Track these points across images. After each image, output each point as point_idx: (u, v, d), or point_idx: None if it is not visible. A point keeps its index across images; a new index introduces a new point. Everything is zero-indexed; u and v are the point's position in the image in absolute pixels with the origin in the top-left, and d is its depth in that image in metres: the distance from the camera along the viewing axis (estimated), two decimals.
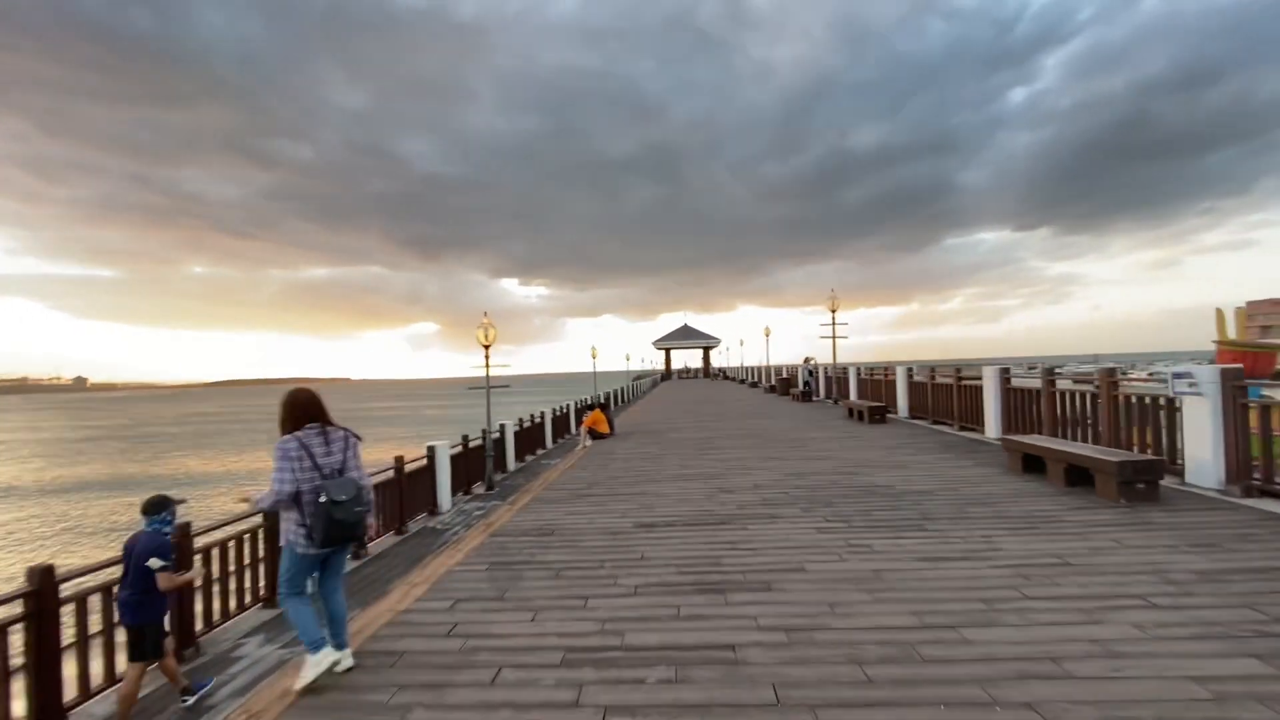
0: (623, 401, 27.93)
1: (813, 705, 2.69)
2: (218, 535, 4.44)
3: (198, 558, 4.16)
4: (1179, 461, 6.57)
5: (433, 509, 7.71)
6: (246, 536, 4.64)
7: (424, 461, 7.72)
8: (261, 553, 4.73)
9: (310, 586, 3.29)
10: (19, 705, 3.08)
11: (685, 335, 64.94)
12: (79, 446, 46.64)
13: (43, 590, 3.30)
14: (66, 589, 3.37)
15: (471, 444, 9.26)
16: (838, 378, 20.70)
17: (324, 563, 3.31)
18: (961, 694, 2.72)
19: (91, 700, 3.42)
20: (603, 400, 19.00)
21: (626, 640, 3.40)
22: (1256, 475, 5.86)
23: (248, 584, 4.64)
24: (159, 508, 3.30)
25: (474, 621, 3.80)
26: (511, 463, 11.13)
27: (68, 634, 3.37)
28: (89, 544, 17.20)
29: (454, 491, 8.34)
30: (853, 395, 18.58)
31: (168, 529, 3.33)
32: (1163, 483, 6.04)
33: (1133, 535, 4.87)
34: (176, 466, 33.63)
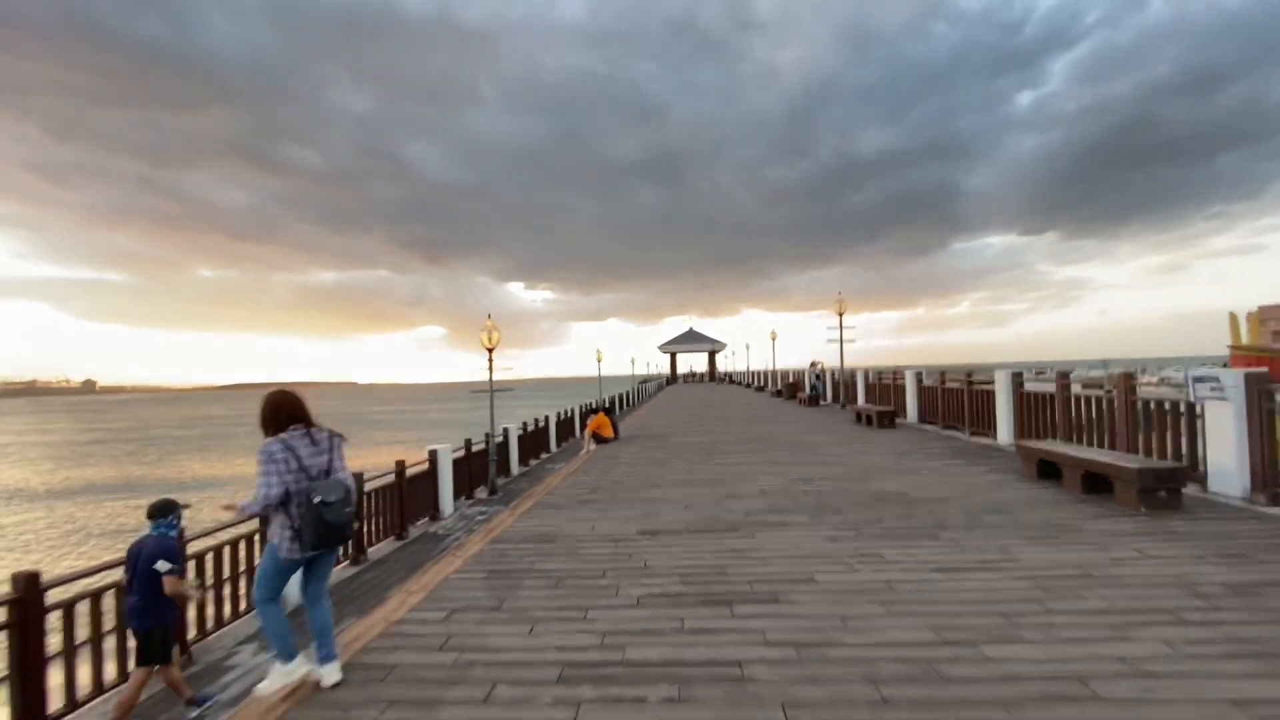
0: (628, 405, 27.79)
1: None
2: (210, 542, 4.32)
3: (192, 567, 4.05)
4: (1200, 468, 6.36)
5: (434, 514, 7.58)
6: (242, 542, 4.53)
7: (425, 466, 7.59)
8: (256, 559, 4.62)
9: (297, 596, 3.18)
10: (1, 716, 2.98)
11: (690, 339, 64.76)
12: (87, 449, 46.88)
13: (27, 598, 3.20)
14: (60, 594, 3.30)
15: (474, 448, 9.14)
16: (845, 382, 20.48)
17: (309, 568, 3.19)
18: (983, 717, 2.56)
19: (78, 711, 3.32)
20: (607, 404, 18.86)
21: (628, 655, 3.24)
22: None
23: (242, 590, 4.52)
24: (165, 511, 3.30)
25: (469, 633, 3.65)
26: (515, 467, 11.00)
27: (60, 640, 3.30)
28: (96, 546, 17.17)
29: (456, 496, 8.21)
30: (861, 400, 18.37)
31: (173, 532, 3.32)
32: (1184, 491, 5.84)
33: (1156, 546, 4.68)
34: (183, 469, 33.70)
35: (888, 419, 13.60)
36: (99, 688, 3.51)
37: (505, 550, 5.45)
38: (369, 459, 32.66)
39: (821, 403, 22.24)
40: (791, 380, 28.19)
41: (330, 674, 3.12)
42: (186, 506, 3.43)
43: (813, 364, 26.17)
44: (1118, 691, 2.70)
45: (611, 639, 3.45)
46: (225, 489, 25.58)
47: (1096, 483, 6.33)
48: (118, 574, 3.71)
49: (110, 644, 3.62)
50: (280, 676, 3.05)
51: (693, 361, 71.92)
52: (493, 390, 10.40)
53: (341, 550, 5.61)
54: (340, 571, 5.43)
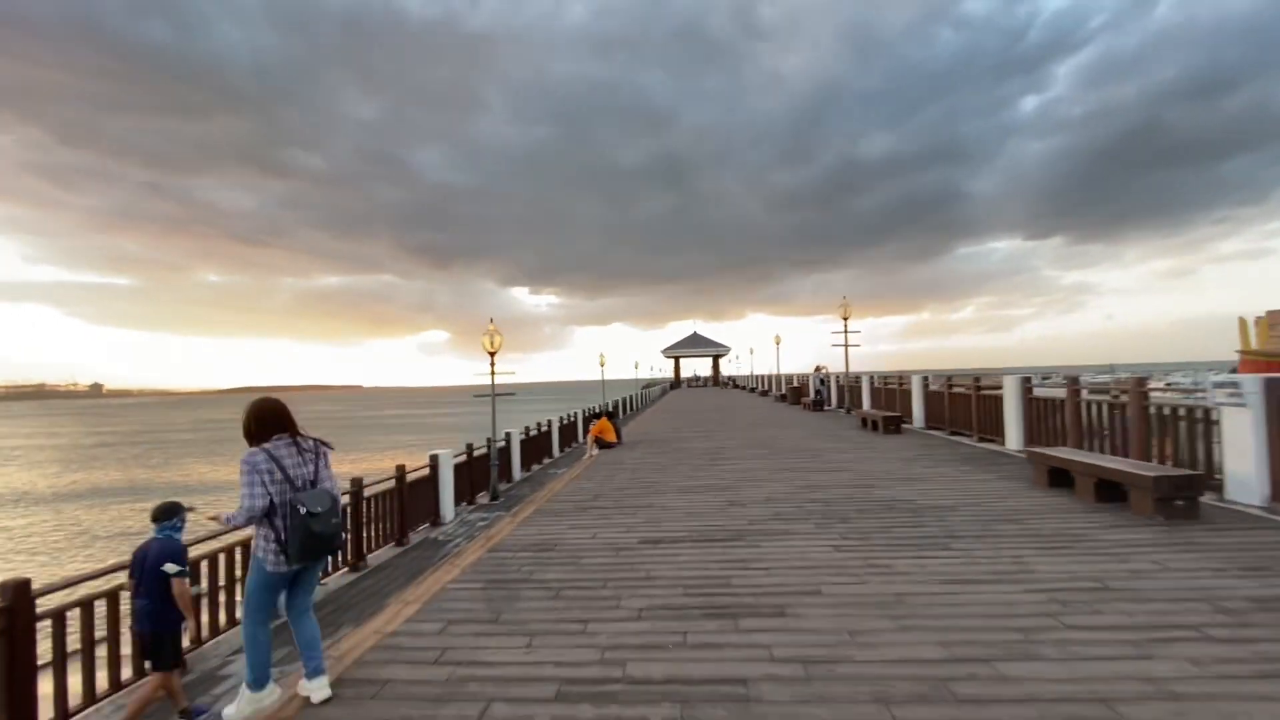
0: (631, 410, 27.67)
1: None
2: (204, 549, 4.23)
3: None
4: (1217, 476, 6.20)
5: (435, 519, 7.48)
6: (238, 549, 4.43)
7: (426, 471, 7.49)
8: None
9: (281, 610, 3.07)
10: None
11: (694, 343, 64.62)
12: (93, 452, 47.03)
13: (16, 606, 3.12)
14: (55, 600, 3.25)
15: (476, 453, 9.04)
16: (850, 387, 20.31)
17: (294, 581, 3.08)
18: None
19: None
20: (610, 409, 18.75)
21: (628, 672, 3.11)
22: None
23: (237, 597, 4.42)
24: (169, 514, 3.29)
25: (465, 647, 3.53)
26: (517, 472, 10.89)
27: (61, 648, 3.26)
28: (103, 549, 17.13)
29: (458, 501, 8.11)
30: (866, 405, 18.20)
31: (178, 535, 3.30)
32: (1201, 499, 5.68)
33: (1175, 557, 4.53)
34: (188, 472, 33.75)
35: (894, 424, 13.44)
36: (91, 697, 3.44)
37: (504, 559, 5.33)
38: (372, 463, 32.60)
39: (826, 408, 22.06)
40: (796, 385, 28.01)
41: (319, 689, 3.00)
42: (191, 509, 3.40)
43: (817, 368, 25.99)
44: (1144, 715, 2.56)
45: (612, 654, 3.33)
46: (230, 493, 25.56)
47: (1110, 490, 6.17)
48: (111, 580, 3.66)
49: (102, 651, 3.55)
50: (250, 703, 2.94)
51: (697, 366, 71.78)
52: (494, 394, 10.31)
53: (340, 557, 5.52)
54: (339, 578, 5.35)
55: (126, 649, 3.71)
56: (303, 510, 2.83)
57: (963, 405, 12.24)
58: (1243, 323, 37.52)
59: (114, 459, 41.52)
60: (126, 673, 3.67)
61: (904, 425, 14.03)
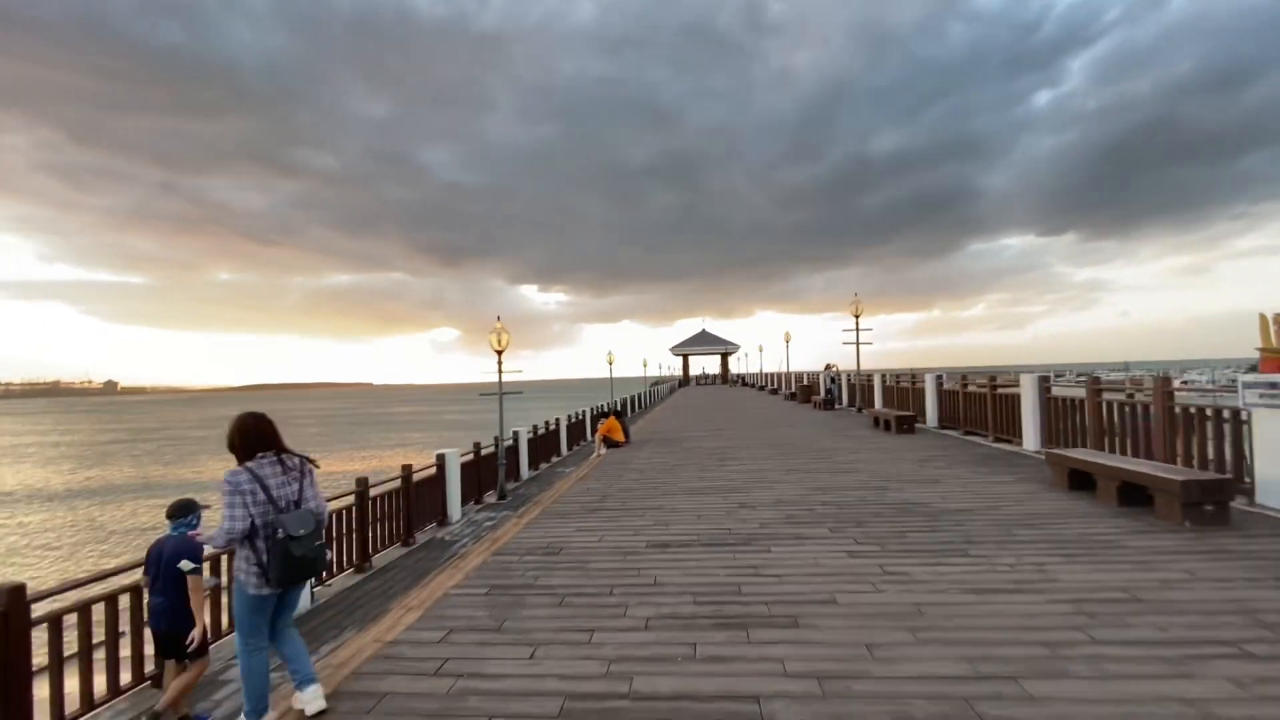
0: (639, 408, 27.54)
1: None
2: (206, 551, 4.14)
3: (206, 568, 3.92)
4: (1247, 480, 5.98)
5: (442, 519, 7.40)
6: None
7: (433, 470, 7.41)
8: None
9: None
10: None
11: (703, 341, 64.36)
12: (108, 449, 47.57)
13: (10, 611, 3.04)
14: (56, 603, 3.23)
15: (484, 451, 8.95)
16: (862, 385, 20.07)
17: (277, 601, 2.97)
18: None
19: None
20: (618, 408, 18.63)
21: (635, 687, 2.98)
22: None
23: None
24: (185, 511, 3.30)
25: (466, 657, 3.42)
26: (525, 470, 10.80)
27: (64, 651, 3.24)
28: (118, 545, 17.24)
29: (465, 501, 8.02)
30: (878, 404, 17.97)
31: (193, 533, 3.29)
32: (1232, 504, 5.47)
33: (1206, 566, 4.34)
34: (201, 469, 34.02)
35: (907, 424, 13.22)
36: (90, 703, 3.37)
37: (509, 563, 5.22)
38: (381, 461, 32.70)
39: (837, 406, 21.83)
40: (806, 383, 27.77)
41: (312, 700, 2.89)
42: (206, 507, 3.38)
43: (827, 367, 25.73)
44: None
45: (618, 667, 3.20)
46: None
47: (1134, 494, 5.97)
48: (109, 584, 3.60)
49: (101, 654, 3.48)
50: None
51: (705, 363, 71.52)
52: (502, 393, 10.21)
53: (345, 560, 5.44)
54: (344, 579, 5.29)
55: (126, 652, 3.65)
56: (283, 533, 2.71)
57: (978, 404, 12.01)
58: (1263, 319, 36.72)
59: (128, 456, 41.96)
60: (126, 677, 3.61)
61: (917, 425, 13.80)
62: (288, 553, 2.69)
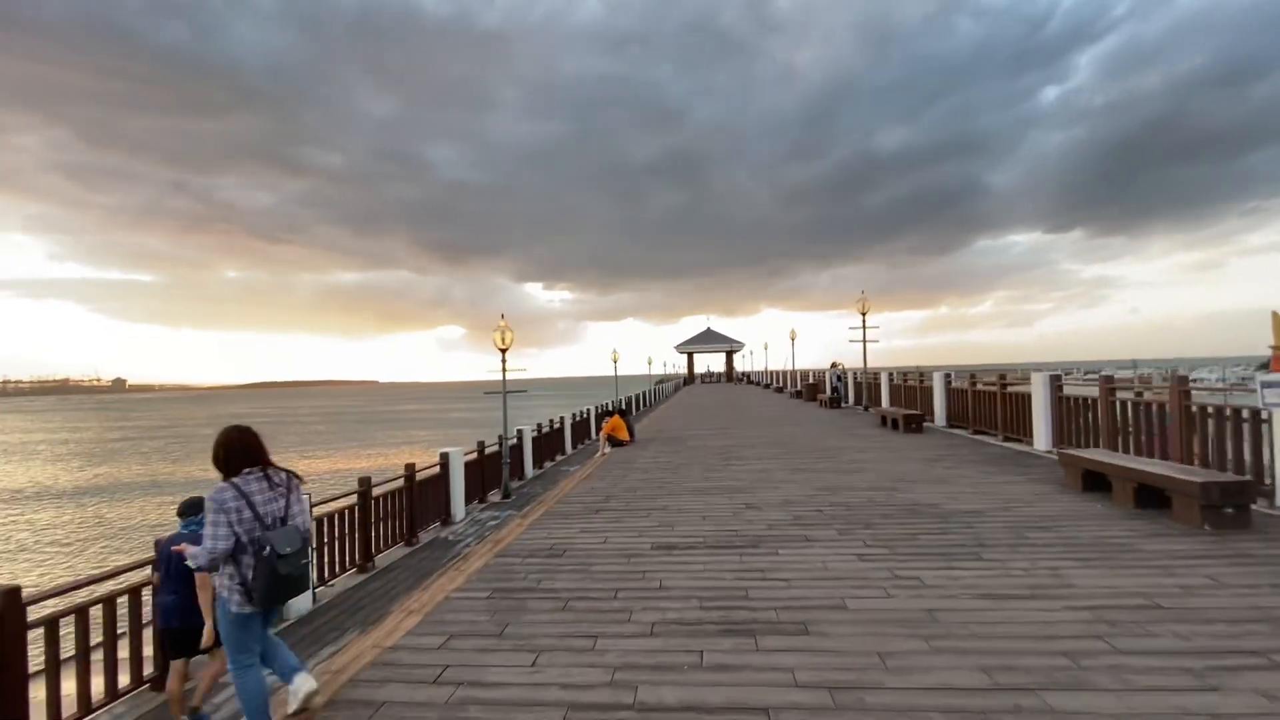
0: (644, 406, 27.45)
1: None
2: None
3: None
4: (1268, 482, 5.84)
5: (446, 518, 7.33)
6: None
7: (437, 469, 7.34)
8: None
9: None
10: None
11: (708, 339, 64.17)
12: (116, 446, 47.83)
13: (4, 614, 3.00)
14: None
15: (488, 450, 8.88)
16: (868, 383, 19.90)
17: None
18: None
19: None
20: (623, 406, 18.54)
21: (640, 697, 2.88)
22: None
23: None
24: (195, 509, 3.30)
25: (467, 664, 3.33)
26: (529, 469, 10.73)
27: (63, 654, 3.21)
28: (127, 542, 17.28)
29: (469, 500, 7.95)
30: (885, 402, 17.80)
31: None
32: (1253, 507, 5.33)
33: (1229, 571, 4.21)
34: (208, 467, 34.01)
35: (914, 423, 13.07)
36: (87, 707, 3.32)
37: (512, 565, 5.13)
38: (387, 459, 32.74)
39: (843, 405, 21.67)
40: (811, 381, 27.59)
41: (304, 683, 2.79)
42: None
43: (833, 364, 25.56)
44: None
45: (622, 675, 3.10)
46: None
47: (1150, 496, 5.84)
48: (106, 586, 3.55)
49: (99, 655, 3.45)
50: None
51: (710, 361, 71.31)
52: (505, 391, 10.14)
53: (349, 558, 5.38)
54: (347, 579, 5.23)
55: (124, 654, 3.60)
56: (267, 551, 2.62)
57: (987, 403, 11.85)
58: (1275, 317, 36.30)
59: (136, 453, 42.18)
60: (124, 680, 3.56)
61: (925, 424, 13.66)
62: (274, 571, 2.60)
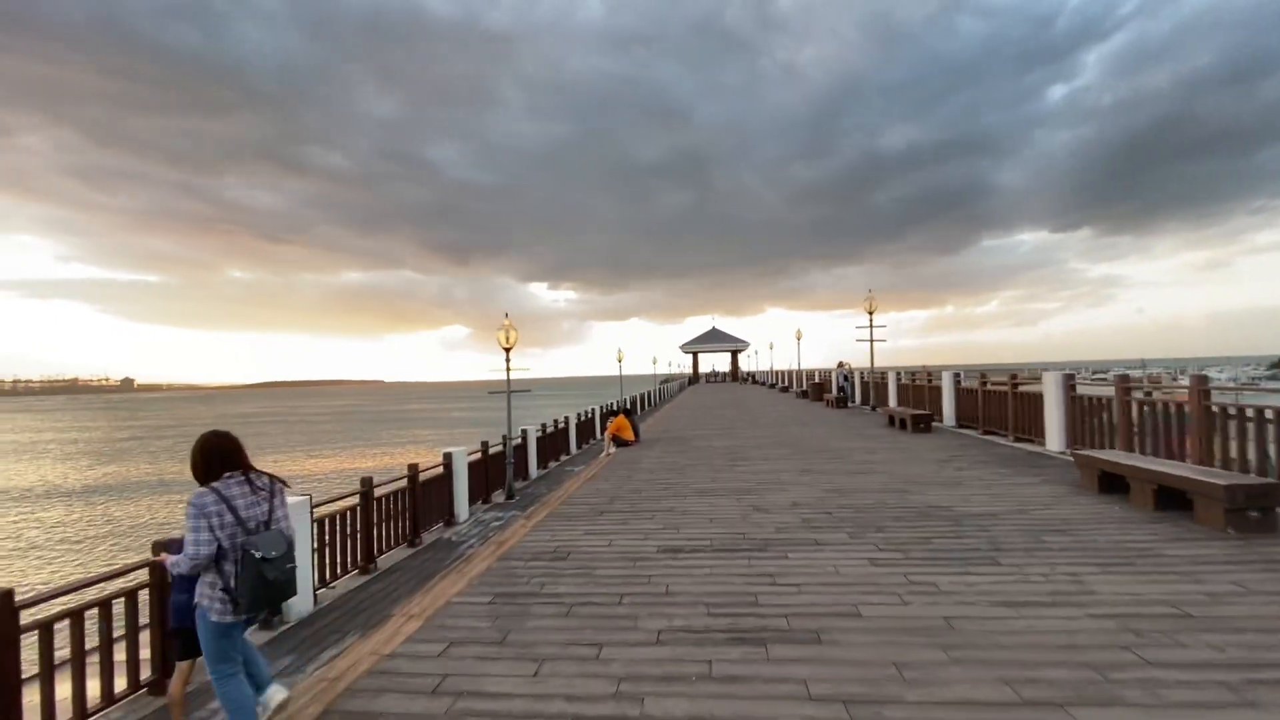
0: (649, 406, 27.33)
1: None
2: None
3: None
4: None
5: (449, 519, 7.23)
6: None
7: (440, 469, 7.24)
8: None
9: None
10: None
11: (713, 338, 63.98)
12: (124, 445, 48.08)
13: None
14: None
15: (492, 450, 8.78)
16: (875, 383, 19.72)
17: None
18: None
19: None
20: (628, 405, 18.42)
21: (646, 710, 2.76)
22: None
23: None
24: None
25: (467, 673, 3.22)
26: (534, 469, 10.63)
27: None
28: (135, 540, 17.30)
29: (473, 500, 7.86)
30: (893, 402, 17.62)
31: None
32: (1278, 510, 5.16)
33: (1257, 577, 4.05)
34: None
35: (923, 423, 12.90)
36: (82, 712, 3.23)
37: (514, 569, 5.02)
38: (391, 459, 32.76)
39: (850, 405, 21.49)
40: (817, 380, 27.40)
41: (275, 694, 2.79)
42: None
43: (840, 364, 25.36)
44: None
45: (628, 686, 2.98)
46: None
47: (1170, 498, 5.67)
48: (102, 589, 3.46)
49: (95, 658, 3.37)
50: None
51: (715, 361, 71.13)
52: (510, 391, 10.04)
53: (350, 561, 5.29)
54: (349, 581, 5.13)
55: (121, 656, 3.52)
56: (257, 555, 2.53)
57: (997, 403, 11.67)
58: None
59: (144, 452, 42.38)
60: (121, 684, 3.48)
61: (934, 424, 13.48)
62: (260, 575, 2.50)
